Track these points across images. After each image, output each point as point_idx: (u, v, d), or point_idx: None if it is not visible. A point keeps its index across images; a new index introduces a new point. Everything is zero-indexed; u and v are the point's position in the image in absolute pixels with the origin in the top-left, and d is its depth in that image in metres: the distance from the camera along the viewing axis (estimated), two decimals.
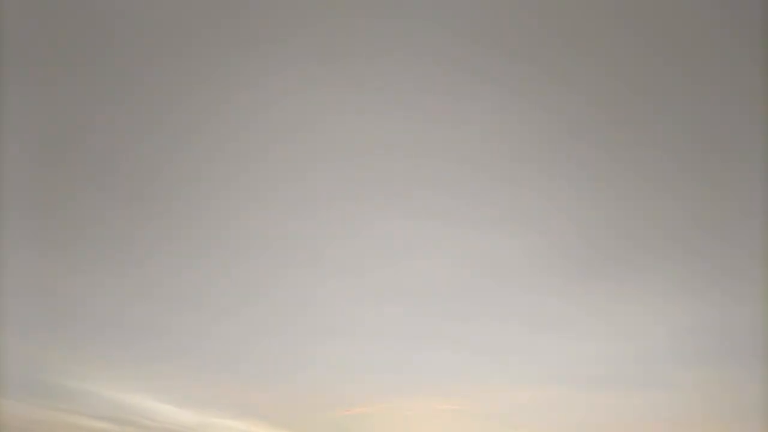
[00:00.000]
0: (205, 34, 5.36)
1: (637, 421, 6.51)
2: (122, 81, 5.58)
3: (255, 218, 6.21)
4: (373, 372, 6.74)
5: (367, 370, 6.74)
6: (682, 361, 6.49)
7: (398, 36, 5.40)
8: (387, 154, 5.91)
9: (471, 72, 5.51)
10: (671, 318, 6.42)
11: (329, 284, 6.49)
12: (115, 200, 6.07)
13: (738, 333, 6.14)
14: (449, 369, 6.75)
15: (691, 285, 6.28)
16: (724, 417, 6.18)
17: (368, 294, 6.52)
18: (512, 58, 5.41)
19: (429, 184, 6.05)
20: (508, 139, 5.86)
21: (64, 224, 6.13)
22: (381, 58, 5.47)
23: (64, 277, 6.32)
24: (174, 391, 6.78)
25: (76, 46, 5.33)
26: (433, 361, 6.75)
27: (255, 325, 6.67)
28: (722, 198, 5.87)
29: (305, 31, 5.37)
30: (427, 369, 6.76)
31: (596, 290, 6.41)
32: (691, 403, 6.39)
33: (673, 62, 5.45)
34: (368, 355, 6.70)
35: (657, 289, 6.32)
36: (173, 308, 6.56)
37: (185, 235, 6.28)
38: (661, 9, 5.26)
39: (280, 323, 6.65)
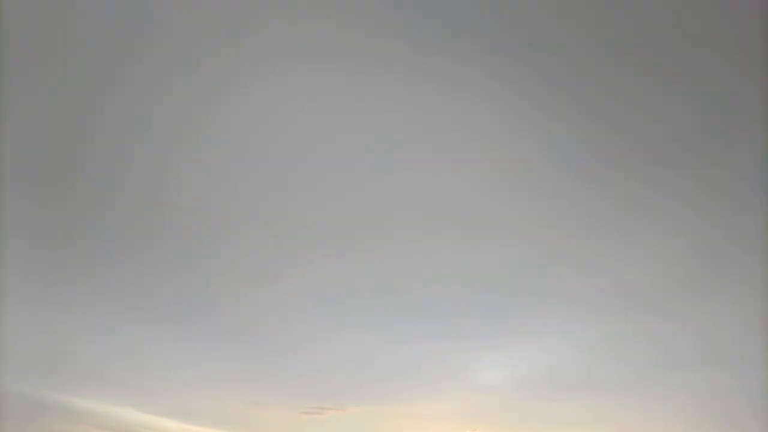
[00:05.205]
0: (210, 34, 5.34)
1: (629, 424, 6.61)
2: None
3: (236, 238, 6.27)
4: (348, 379, 6.93)
5: (342, 378, 6.90)
6: (674, 365, 6.56)
7: (400, 34, 5.38)
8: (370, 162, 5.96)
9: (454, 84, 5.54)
10: (662, 324, 6.51)
11: (307, 300, 6.61)
12: (103, 215, 6.10)
13: (733, 337, 6.21)
14: (412, 377, 6.95)
15: (684, 290, 6.35)
16: (718, 421, 6.25)
17: (341, 307, 6.65)
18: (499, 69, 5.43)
19: (412, 199, 6.12)
20: (496, 151, 5.87)
21: (60, 246, 6.20)
22: (379, 57, 5.44)
23: (63, 301, 6.49)
24: (162, 403, 6.87)
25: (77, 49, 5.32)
26: (400, 369, 6.98)
27: (236, 342, 6.81)
28: (721, 199, 5.90)
29: (303, 32, 5.36)
30: (394, 376, 6.97)
31: (583, 296, 6.49)
32: (685, 407, 6.46)
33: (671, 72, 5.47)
34: (343, 365, 6.87)
35: (647, 294, 6.40)
36: (159, 328, 6.66)
37: (174, 257, 6.39)
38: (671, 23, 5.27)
39: (259, 340, 6.80)
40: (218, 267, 6.43)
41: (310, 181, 6.00)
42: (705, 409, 6.50)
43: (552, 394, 6.99)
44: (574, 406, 6.97)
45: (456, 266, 6.47)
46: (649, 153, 5.70)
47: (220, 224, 6.16)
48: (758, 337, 5.84)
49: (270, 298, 6.67)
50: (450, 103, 5.53)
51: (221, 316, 6.76)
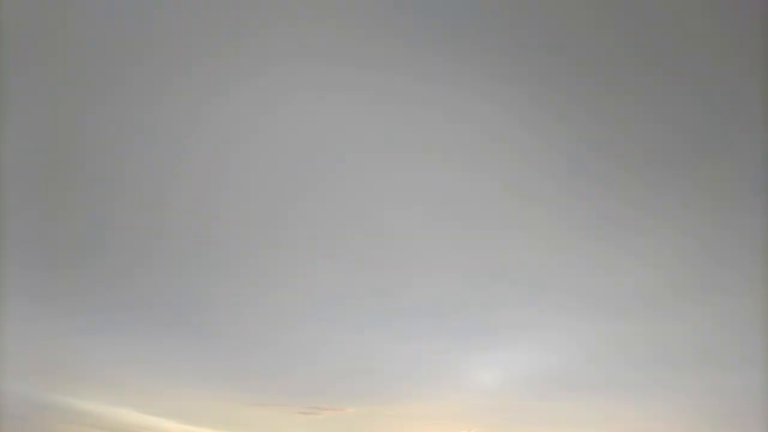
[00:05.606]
0: (210, 34, 5.33)
1: (629, 424, 6.62)
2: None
3: (236, 238, 6.27)
4: (345, 380, 6.96)
5: (340, 379, 6.92)
6: (674, 365, 6.56)
7: (400, 34, 5.36)
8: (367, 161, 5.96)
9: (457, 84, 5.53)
10: (662, 323, 6.51)
11: (305, 300, 6.62)
12: (103, 215, 6.12)
13: (734, 337, 6.21)
14: (411, 377, 7.02)
15: (684, 290, 6.35)
16: (718, 421, 6.25)
17: (340, 307, 6.66)
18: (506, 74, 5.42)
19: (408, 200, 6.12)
20: (496, 151, 5.87)
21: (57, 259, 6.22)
22: (379, 57, 5.41)
23: (62, 301, 6.52)
24: (160, 403, 6.89)
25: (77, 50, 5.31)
26: (398, 370, 7.05)
27: (234, 342, 6.84)
28: (721, 199, 5.89)
29: (303, 32, 5.34)
30: (392, 377, 7.03)
31: (581, 299, 6.49)
32: (685, 407, 6.46)
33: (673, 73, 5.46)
34: (340, 365, 6.91)
35: (645, 296, 6.41)
36: (158, 328, 6.68)
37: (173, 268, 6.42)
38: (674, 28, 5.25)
39: (257, 340, 6.81)
40: (218, 267, 6.43)
41: (310, 181, 6.00)
42: (705, 409, 6.51)
43: (552, 394, 6.99)
44: (574, 406, 6.98)
45: (455, 266, 6.47)
46: (649, 153, 5.69)
47: (220, 224, 6.16)
48: (758, 337, 5.85)
49: (269, 298, 6.67)
50: (450, 103, 5.53)
51: (220, 317, 6.76)
